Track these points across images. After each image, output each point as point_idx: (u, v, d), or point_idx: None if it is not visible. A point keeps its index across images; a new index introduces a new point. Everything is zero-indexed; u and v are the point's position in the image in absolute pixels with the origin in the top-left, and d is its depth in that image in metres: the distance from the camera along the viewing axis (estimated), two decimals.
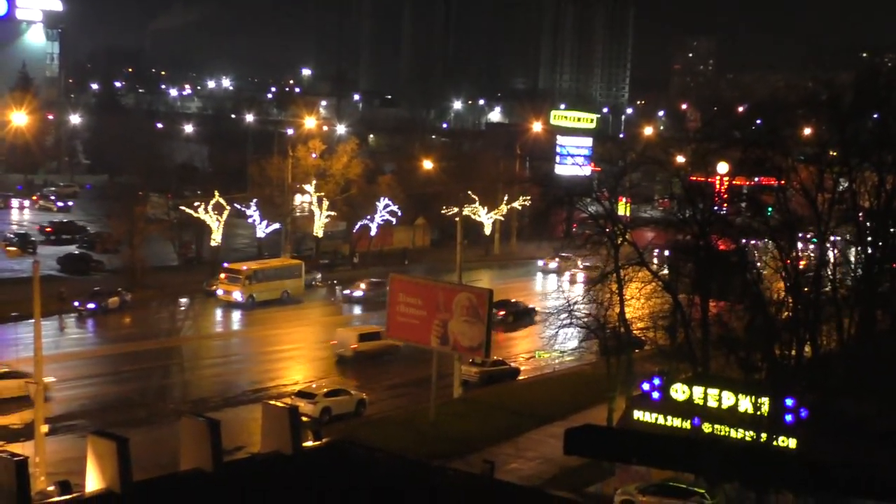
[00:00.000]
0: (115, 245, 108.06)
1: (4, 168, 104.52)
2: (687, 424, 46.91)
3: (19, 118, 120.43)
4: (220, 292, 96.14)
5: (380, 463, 47.37)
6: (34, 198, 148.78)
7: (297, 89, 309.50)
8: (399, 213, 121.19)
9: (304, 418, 56.62)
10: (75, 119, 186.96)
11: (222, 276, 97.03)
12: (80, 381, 69.41)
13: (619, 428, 51.91)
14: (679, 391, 47.78)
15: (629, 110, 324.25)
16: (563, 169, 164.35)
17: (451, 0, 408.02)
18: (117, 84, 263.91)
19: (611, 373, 57.21)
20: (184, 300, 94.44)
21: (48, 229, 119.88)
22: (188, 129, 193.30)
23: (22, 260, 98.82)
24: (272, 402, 52.10)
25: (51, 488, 46.79)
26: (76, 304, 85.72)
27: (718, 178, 71.56)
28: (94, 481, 39.06)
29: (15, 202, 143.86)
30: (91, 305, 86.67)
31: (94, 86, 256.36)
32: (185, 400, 65.79)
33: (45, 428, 55.26)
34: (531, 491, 44.79)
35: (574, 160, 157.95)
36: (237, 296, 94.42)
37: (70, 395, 65.49)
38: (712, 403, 46.67)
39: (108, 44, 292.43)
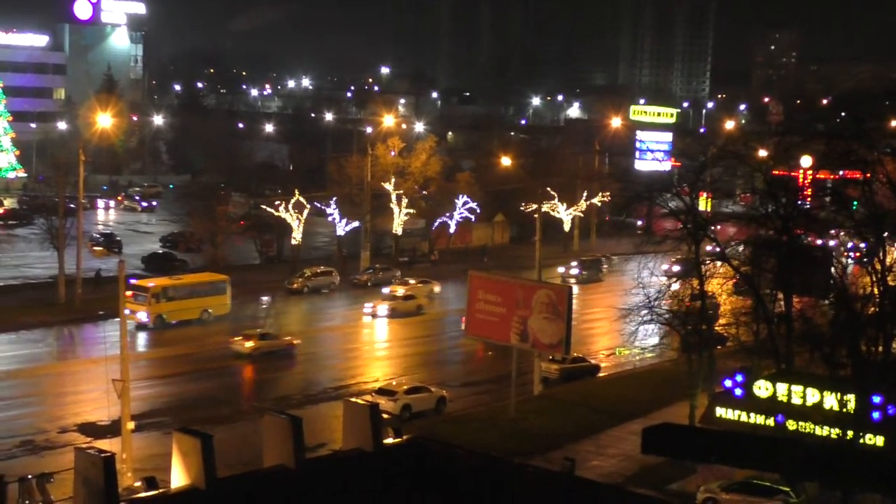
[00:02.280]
0: (197, 244, 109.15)
1: (90, 169, 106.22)
2: (770, 422, 46.22)
3: (104, 120, 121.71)
4: (126, 312, 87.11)
5: (460, 460, 47.23)
6: (119, 198, 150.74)
7: (376, 88, 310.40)
8: (478, 211, 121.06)
9: (385, 415, 56.66)
10: (158, 120, 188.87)
11: (129, 293, 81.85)
12: (163, 379, 70.13)
13: (698, 426, 51.36)
14: (762, 388, 47.10)
15: (710, 104, 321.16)
16: (643, 164, 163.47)
17: None
18: (199, 85, 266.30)
19: (692, 369, 56.54)
20: (265, 298, 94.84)
21: None
22: (268, 128, 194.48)
23: (108, 259, 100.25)
24: (353, 400, 52.20)
25: (137, 484, 47.26)
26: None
27: (802, 171, 70.81)
28: (179, 478, 39.39)
29: (100, 203, 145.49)
30: None
31: (177, 87, 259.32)
32: (268, 397, 66.08)
33: (131, 425, 55.86)
34: (612, 488, 44.37)
35: (654, 155, 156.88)
36: (142, 316, 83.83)
37: (154, 393, 66.19)
38: (796, 401, 45.94)
39: (190, 45, 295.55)
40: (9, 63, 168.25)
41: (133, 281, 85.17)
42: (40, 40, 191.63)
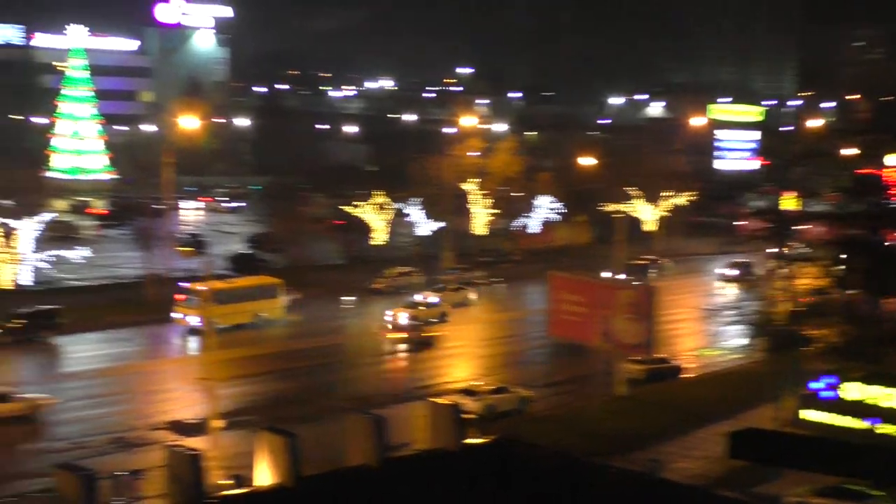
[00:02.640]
0: (280, 244, 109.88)
1: (176, 171, 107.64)
2: (859, 424, 45.61)
3: (189, 122, 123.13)
4: (176, 316, 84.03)
5: (543, 460, 47.18)
6: (204, 199, 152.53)
7: (457, 88, 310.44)
8: (560, 210, 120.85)
9: (469, 416, 56.56)
10: (242, 122, 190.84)
11: (182, 296, 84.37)
12: (249, 378, 70.65)
13: (785, 430, 50.70)
14: (851, 390, 46.44)
15: (795, 102, 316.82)
16: (724, 163, 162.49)
17: None
18: (281, 87, 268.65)
19: (779, 371, 55.89)
20: (348, 298, 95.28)
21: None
22: (350, 129, 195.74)
23: (195, 259, 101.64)
24: (437, 400, 52.24)
25: (226, 481, 47.65)
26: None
27: (890, 170, 69.63)
28: (264, 475, 39.77)
29: (186, 204, 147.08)
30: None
31: (260, 89, 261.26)
32: (352, 396, 66.23)
33: (219, 423, 56.39)
34: (697, 490, 43.98)
35: (736, 154, 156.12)
36: (193, 320, 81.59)
37: (240, 392, 66.68)
38: (887, 403, 45.21)
39: (273, 47, 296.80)
40: (98, 67, 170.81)
41: (185, 284, 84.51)
42: (129, 45, 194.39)
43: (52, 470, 39.63)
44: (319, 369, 73.54)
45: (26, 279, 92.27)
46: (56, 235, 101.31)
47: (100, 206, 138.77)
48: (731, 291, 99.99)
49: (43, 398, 62.18)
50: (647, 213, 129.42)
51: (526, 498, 45.77)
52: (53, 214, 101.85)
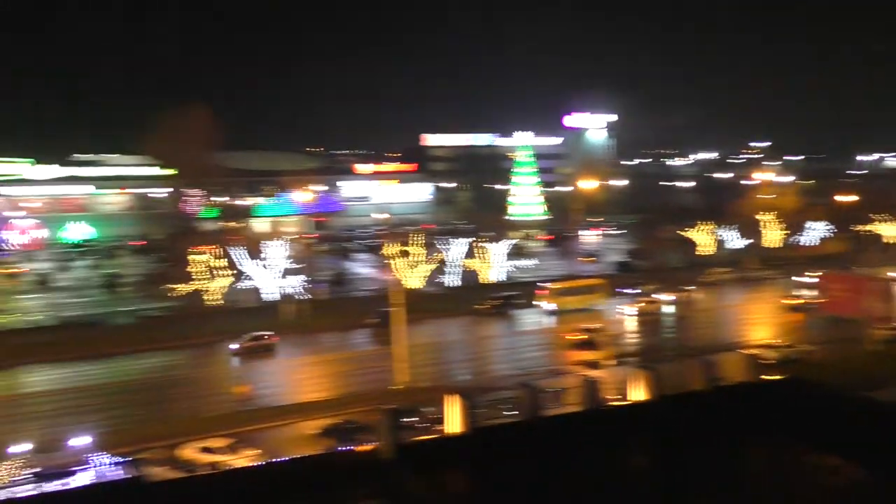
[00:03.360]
0: (646, 255, 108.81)
1: (582, 213, 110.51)
2: None
3: (588, 184, 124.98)
4: (539, 304, 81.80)
5: (821, 392, 44.49)
6: (599, 229, 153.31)
7: (756, 155, 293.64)
8: (829, 230, 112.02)
9: (768, 362, 54.56)
10: (621, 182, 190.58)
11: (539, 290, 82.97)
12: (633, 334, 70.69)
13: None
14: None
15: None
16: None
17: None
18: (644, 161, 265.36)
19: None
20: (688, 287, 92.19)
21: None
22: (686, 184, 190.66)
23: (593, 266, 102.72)
24: (744, 351, 50.50)
25: (613, 397, 48.14)
26: (621, 290, 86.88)
27: None
28: (638, 395, 40.19)
29: (588, 232, 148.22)
30: (634, 291, 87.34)
31: (631, 162, 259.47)
32: (694, 348, 63.83)
33: (611, 362, 57.07)
34: None
35: None
36: (547, 306, 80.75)
37: (622, 343, 66.98)
38: None
39: (639, 136, 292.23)
40: (537, 154, 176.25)
41: (540, 283, 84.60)
42: (554, 140, 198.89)
43: (515, 385, 42.12)
44: (673, 328, 72.14)
45: (499, 277, 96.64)
46: (514, 252, 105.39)
47: (542, 235, 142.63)
48: None
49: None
50: (890, 231, 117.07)
51: (809, 419, 43.52)
52: (512, 241, 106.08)
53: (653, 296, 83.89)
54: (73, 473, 27.35)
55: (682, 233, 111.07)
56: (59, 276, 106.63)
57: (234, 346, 67.79)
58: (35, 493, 26.14)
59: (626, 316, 78.89)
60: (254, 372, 61.71)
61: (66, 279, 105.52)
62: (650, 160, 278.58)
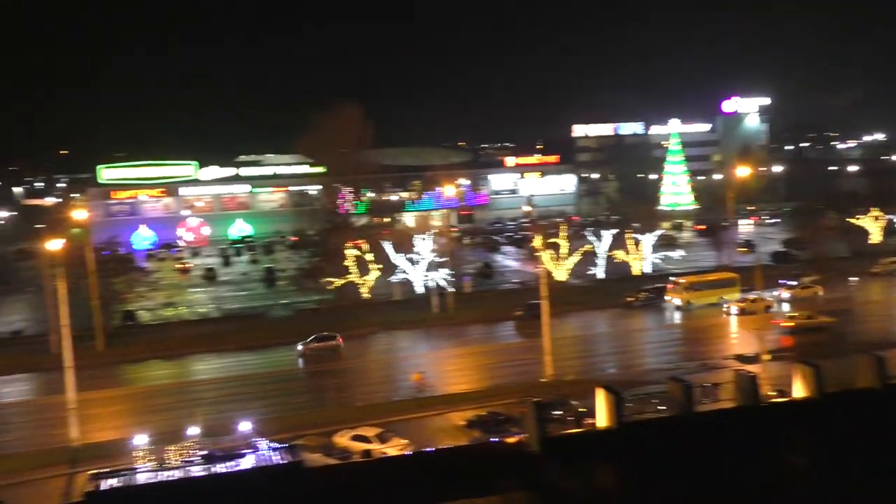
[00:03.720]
0: (805, 245, 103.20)
1: (735, 201, 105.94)
2: None
3: (742, 171, 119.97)
4: (667, 298, 78.51)
5: None
6: (753, 218, 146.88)
7: None
8: None
9: None
10: (777, 168, 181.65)
11: (669, 285, 79.34)
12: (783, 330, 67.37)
13: None
14: None
15: None
16: None
17: None
18: (803, 144, 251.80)
19: None
20: (853, 279, 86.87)
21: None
22: (852, 168, 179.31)
23: (748, 256, 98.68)
24: None
25: (772, 393, 46.09)
26: (780, 281, 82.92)
27: None
28: (799, 391, 38.15)
29: (742, 221, 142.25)
30: (791, 283, 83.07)
31: (789, 147, 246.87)
32: (861, 342, 59.98)
33: (767, 357, 54.60)
34: None
35: None
36: (677, 301, 77.38)
37: (776, 337, 63.89)
38: None
39: (796, 120, 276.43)
40: (686, 142, 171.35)
41: (672, 278, 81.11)
42: (704, 127, 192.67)
43: (666, 380, 40.90)
44: (836, 323, 67.70)
45: (647, 269, 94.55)
46: (663, 243, 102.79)
47: (693, 225, 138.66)
48: None
49: None
50: None
51: None
52: (661, 231, 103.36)
53: (807, 286, 79.65)
54: (238, 457, 29.15)
55: (850, 220, 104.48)
56: (222, 271, 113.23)
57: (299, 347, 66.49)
58: (205, 473, 28.04)
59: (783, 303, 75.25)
60: (402, 364, 63.15)
61: (229, 273, 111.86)
62: (809, 144, 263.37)
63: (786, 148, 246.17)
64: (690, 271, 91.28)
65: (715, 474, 36.07)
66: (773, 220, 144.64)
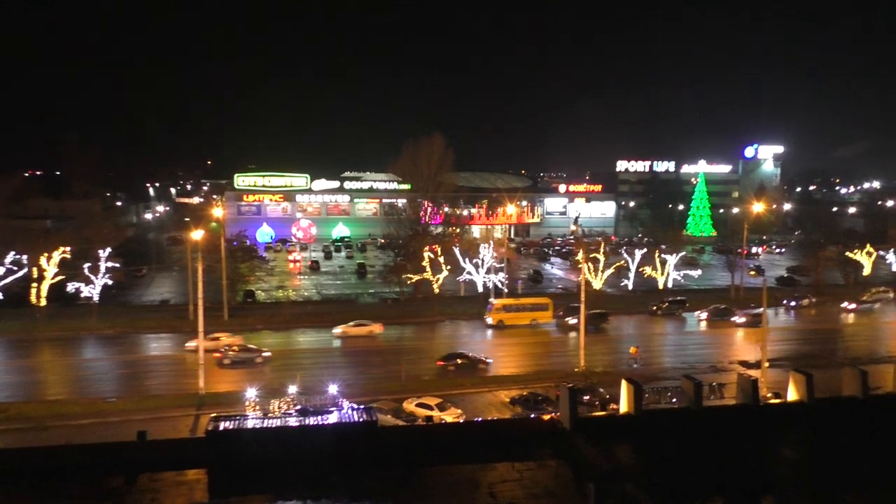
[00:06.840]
0: (807, 272, 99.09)
1: (748, 231, 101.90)
2: None
3: (757, 207, 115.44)
4: (485, 317, 70.24)
5: None
6: (763, 247, 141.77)
7: None
8: None
9: None
10: (787, 206, 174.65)
11: (488, 306, 71.08)
12: (784, 342, 64.73)
13: None
14: None
15: None
16: None
17: None
18: (811, 188, 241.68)
19: None
20: (846, 304, 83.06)
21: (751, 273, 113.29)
22: (852, 210, 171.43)
23: (758, 279, 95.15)
24: None
25: (769, 394, 44.44)
26: (784, 301, 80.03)
27: None
28: (793, 395, 36.40)
29: (754, 249, 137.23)
30: (792, 303, 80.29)
31: (797, 188, 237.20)
32: (847, 357, 58.14)
33: (766, 364, 52.35)
34: None
35: None
36: (489, 320, 69.40)
37: (777, 349, 61.35)
38: None
39: (806, 166, 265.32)
40: (711, 180, 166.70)
41: (491, 299, 72.27)
42: (726, 168, 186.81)
43: (681, 377, 39.88)
44: (827, 339, 65.22)
45: (670, 284, 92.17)
46: (684, 263, 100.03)
47: (711, 250, 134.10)
48: None
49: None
50: None
51: None
52: (683, 252, 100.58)
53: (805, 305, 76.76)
54: (326, 413, 29.49)
55: (849, 254, 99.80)
56: (324, 264, 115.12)
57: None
58: (299, 424, 28.45)
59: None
60: (462, 347, 63.03)
61: (329, 266, 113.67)
62: (816, 187, 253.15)
63: (796, 190, 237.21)
64: (702, 287, 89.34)
65: (716, 459, 35.06)
66: (781, 250, 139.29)
